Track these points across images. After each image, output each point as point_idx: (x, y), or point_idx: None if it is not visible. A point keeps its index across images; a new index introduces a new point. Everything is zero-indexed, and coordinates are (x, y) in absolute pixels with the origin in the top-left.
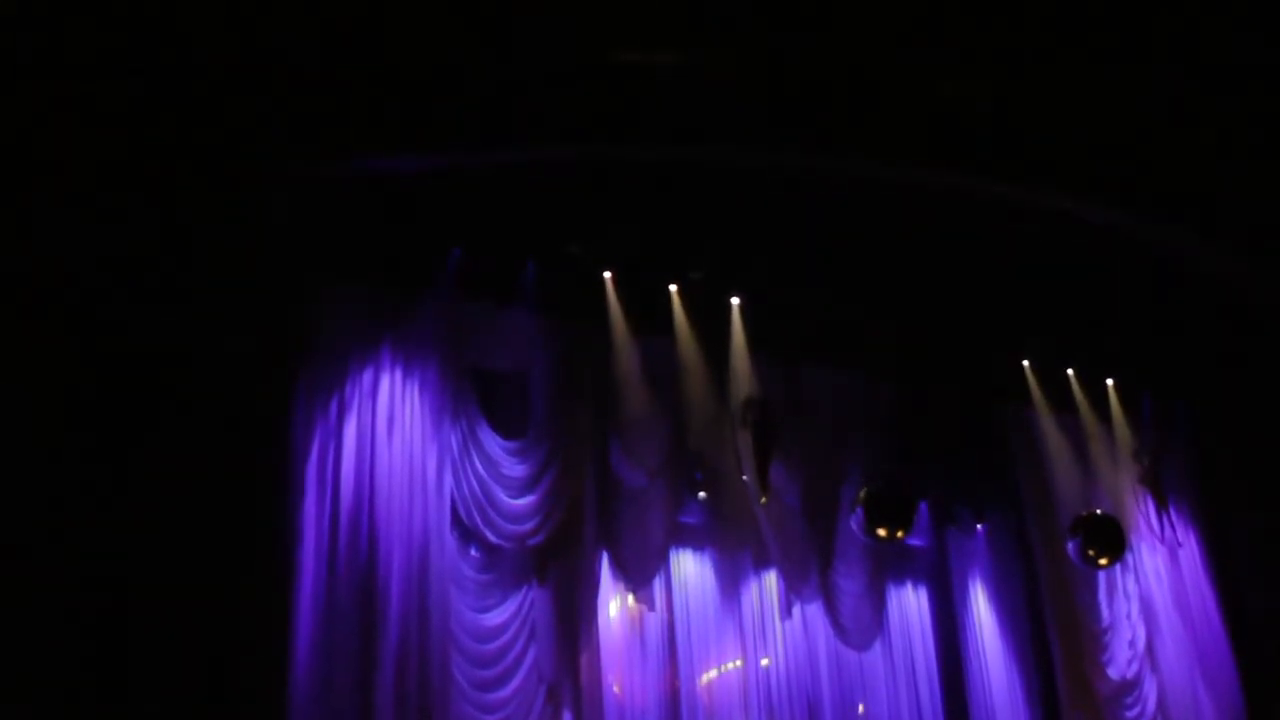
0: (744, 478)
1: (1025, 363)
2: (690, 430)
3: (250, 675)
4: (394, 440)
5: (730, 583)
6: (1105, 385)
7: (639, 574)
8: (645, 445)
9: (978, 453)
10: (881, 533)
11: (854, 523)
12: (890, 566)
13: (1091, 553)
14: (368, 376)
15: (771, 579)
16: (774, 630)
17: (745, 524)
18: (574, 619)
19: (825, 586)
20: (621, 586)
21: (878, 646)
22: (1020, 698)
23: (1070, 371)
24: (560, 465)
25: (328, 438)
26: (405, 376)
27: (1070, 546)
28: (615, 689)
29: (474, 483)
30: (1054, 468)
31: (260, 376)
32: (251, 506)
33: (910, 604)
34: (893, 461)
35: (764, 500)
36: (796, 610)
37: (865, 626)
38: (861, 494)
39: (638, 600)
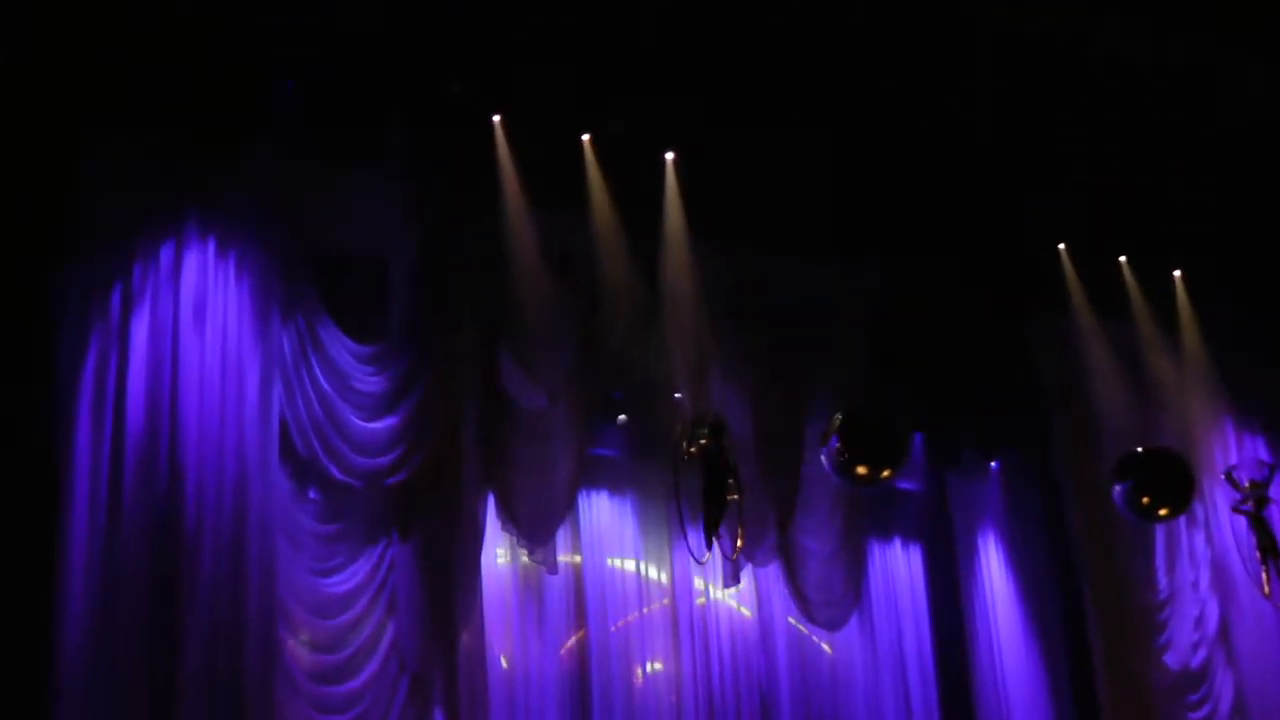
0: (677, 396)
1: (1060, 246)
2: (607, 334)
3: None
4: (203, 345)
5: (658, 539)
6: (1171, 279)
7: (536, 527)
8: (546, 354)
9: (992, 369)
10: (861, 472)
11: (825, 458)
12: (872, 520)
13: (1146, 501)
14: (165, 259)
15: None
16: (716, 606)
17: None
18: (448, 586)
19: (785, 545)
20: (513, 543)
21: (853, 627)
22: (1044, 696)
23: (1122, 260)
24: (431, 379)
25: (108, 343)
26: (219, 259)
27: (1117, 493)
28: (503, 664)
29: (313, 401)
30: (1096, 389)
31: (7, 260)
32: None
33: (898, 570)
34: (877, 381)
35: (707, 555)
36: (747, 577)
37: (837, 599)
38: (835, 420)
39: (534, 562)
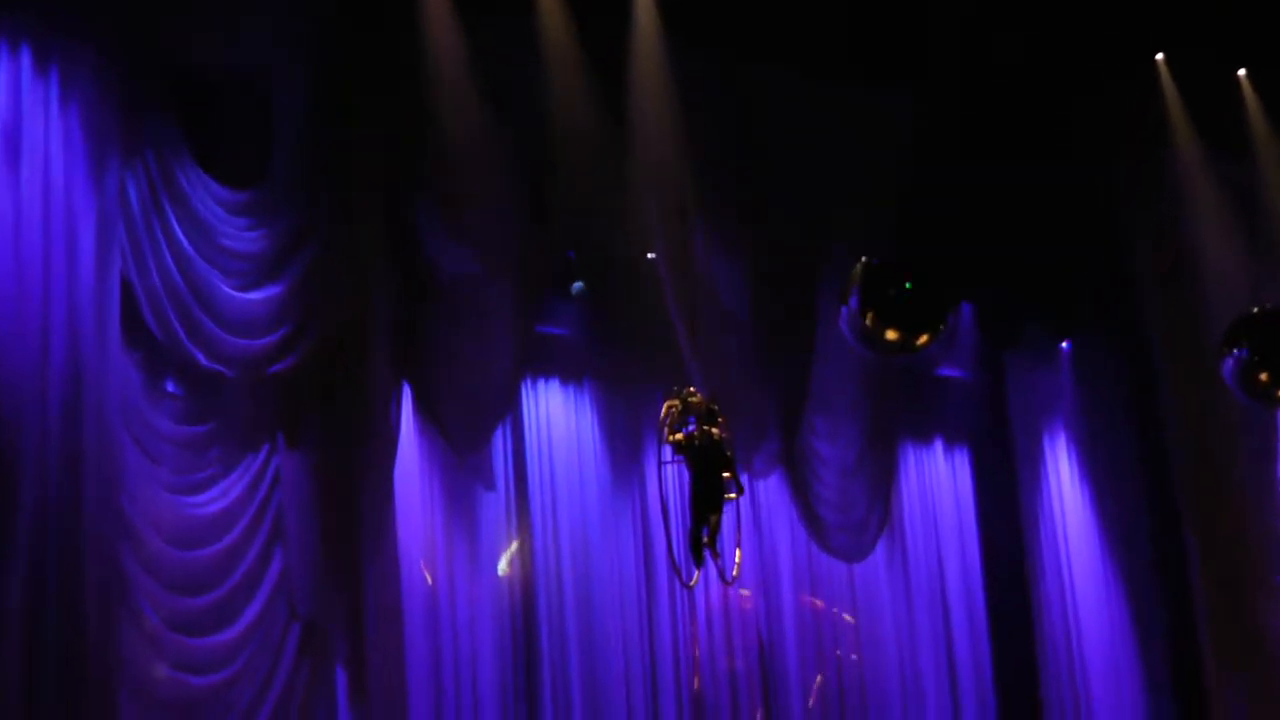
0: (650, 257)
1: (1158, 58)
2: (558, 176)
3: None
4: (17, 191)
5: (626, 442)
6: None
7: (467, 429)
8: (479, 206)
9: (1063, 223)
10: (891, 337)
11: (843, 322)
12: (906, 416)
13: (1264, 379)
14: None
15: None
16: None
17: (652, 338)
18: (352, 506)
19: (791, 450)
20: (438, 450)
21: (880, 556)
22: (1129, 645)
23: (1242, 73)
24: (326, 237)
25: None
26: (36, 76)
27: (1226, 369)
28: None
29: (170, 266)
30: (1203, 243)
31: None
32: None
33: (940, 481)
34: (910, 238)
35: (694, 579)
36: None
37: (859, 522)
38: (857, 269)
39: (466, 474)
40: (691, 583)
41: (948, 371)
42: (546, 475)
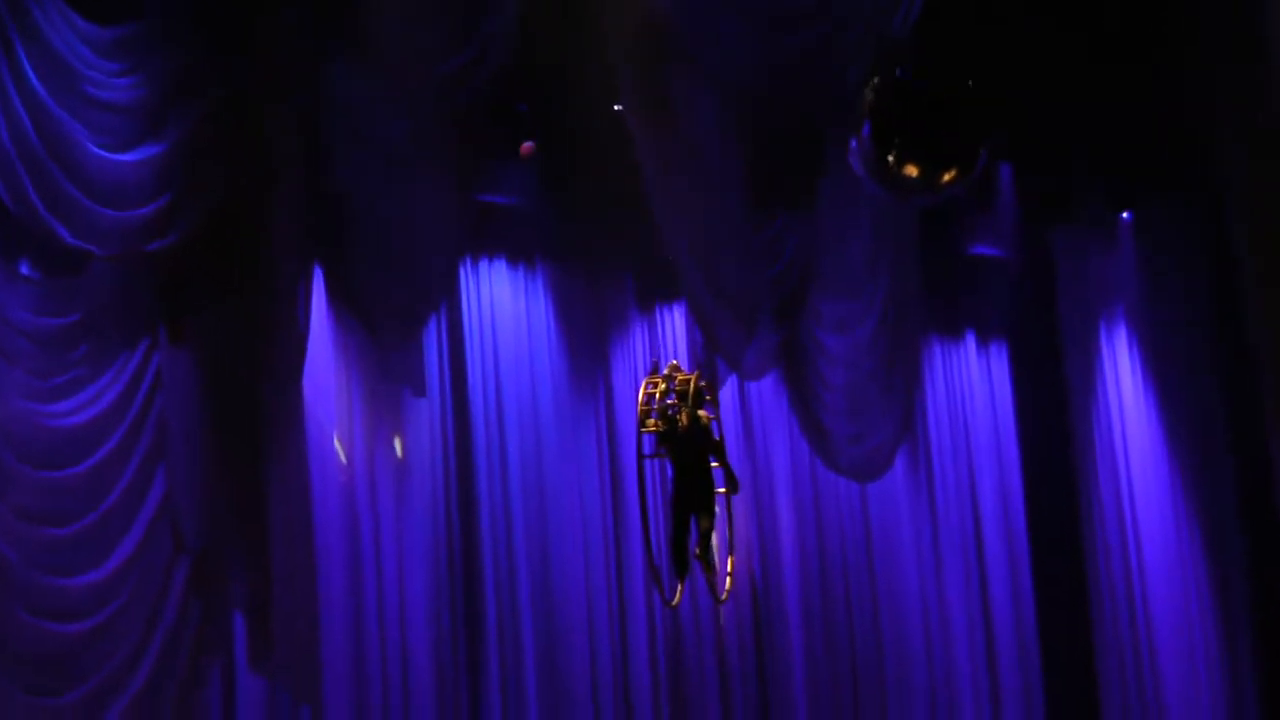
0: (616, 109)
1: None
2: (504, 11)
3: None
4: None
5: (587, 336)
6: None
7: (394, 319)
8: (407, 45)
9: (1125, 63)
10: (911, 173)
11: (854, 157)
12: (931, 302)
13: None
14: None
15: (678, 322)
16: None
17: (619, 206)
18: (251, 414)
19: (791, 344)
20: (357, 347)
21: (899, 476)
22: (1202, 581)
23: None
24: (217, 85)
25: None
26: None
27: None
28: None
29: (22, 119)
30: None
31: None
32: None
33: (972, 383)
34: (934, 77)
35: (677, 597)
36: (728, 395)
37: (873, 432)
38: (870, 90)
39: (392, 376)
40: (674, 601)
41: (982, 249)
42: (491, 378)
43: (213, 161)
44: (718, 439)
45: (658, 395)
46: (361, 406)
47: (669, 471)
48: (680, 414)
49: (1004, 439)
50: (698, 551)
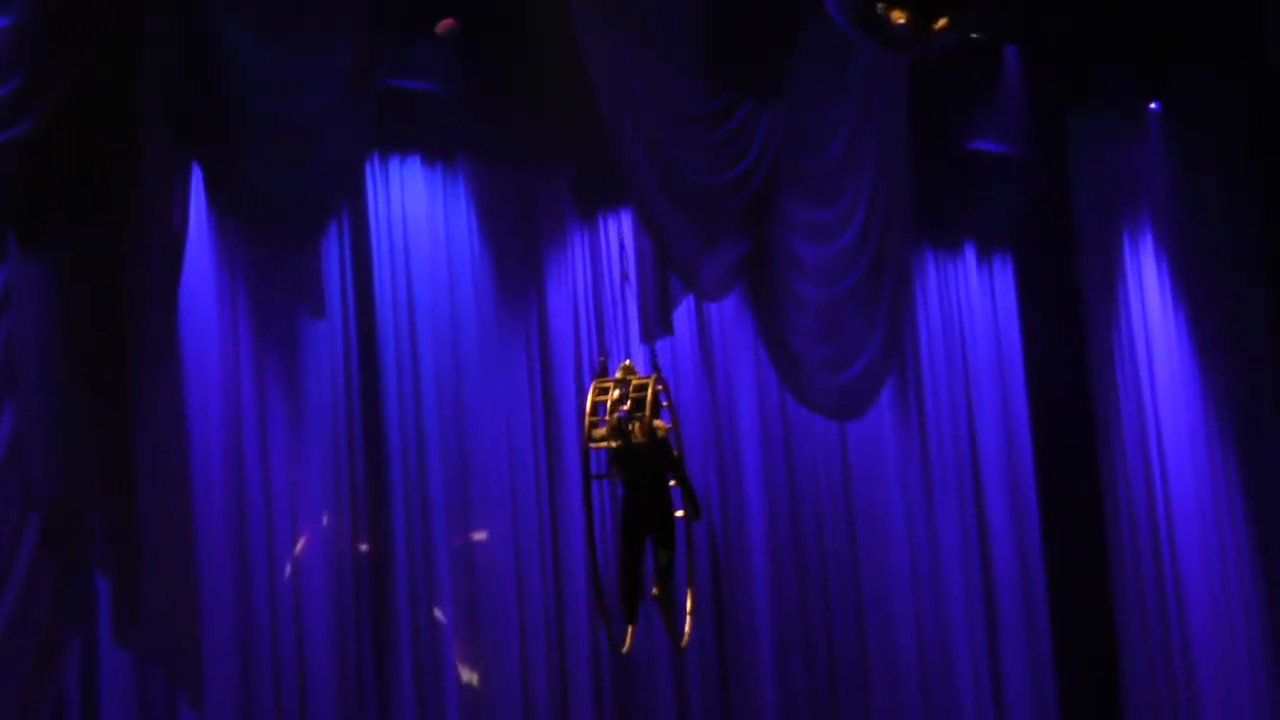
0: None
1: None
2: None
3: None
4: None
5: (517, 244)
6: None
7: (286, 227)
8: None
9: None
10: (898, 19)
11: (834, 4)
12: (925, 205)
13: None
14: None
15: (624, 230)
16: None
17: (555, 93)
18: (117, 339)
19: (757, 255)
20: (243, 258)
21: (886, 412)
22: (1239, 529)
23: None
24: None
25: None
26: None
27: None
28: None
29: None
30: None
31: None
32: None
33: (971, 300)
34: None
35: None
36: (683, 316)
37: (854, 360)
38: None
39: (284, 292)
40: (625, 648)
41: (985, 145)
42: (403, 296)
43: (70, 37)
44: (677, 454)
45: (609, 404)
46: (249, 330)
47: (619, 491)
48: (634, 426)
49: (1008, 367)
50: (655, 591)
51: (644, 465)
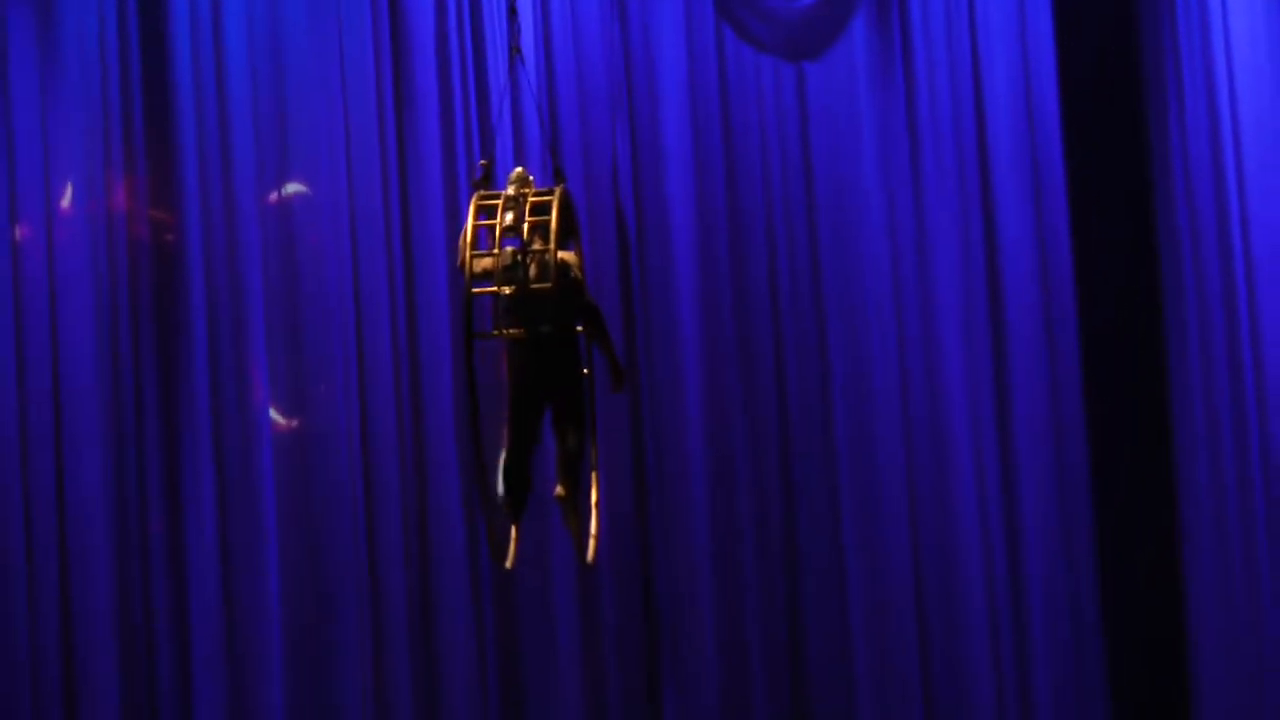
0: None
1: None
2: None
3: None
4: None
5: None
6: None
7: None
8: None
9: None
10: None
11: None
12: None
13: None
14: None
15: None
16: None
17: None
18: None
19: None
20: None
21: (858, 50)
22: None
23: None
24: None
25: None
26: None
27: None
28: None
29: None
30: None
31: None
32: None
33: None
34: None
35: (510, 556)
36: None
37: None
38: None
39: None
40: (508, 562)
41: None
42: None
43: None
44: (591, 302)
45: (497, 230)
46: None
47: (507, 349)
48: (531, 260)
49: (1035, 36)
50: (558, 490)
51: (545, 314)
